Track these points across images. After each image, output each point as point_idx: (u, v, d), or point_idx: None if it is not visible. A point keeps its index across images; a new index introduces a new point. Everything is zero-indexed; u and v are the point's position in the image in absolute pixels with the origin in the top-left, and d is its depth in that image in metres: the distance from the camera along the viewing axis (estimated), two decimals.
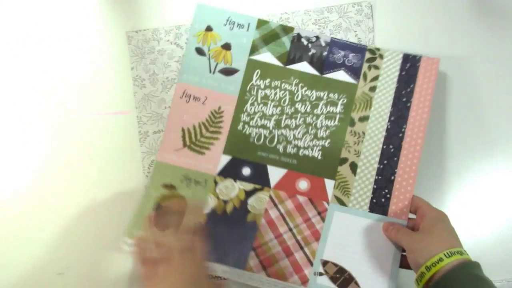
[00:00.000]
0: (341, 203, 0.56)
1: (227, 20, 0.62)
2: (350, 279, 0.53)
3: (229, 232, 0.56)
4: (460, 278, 0.45)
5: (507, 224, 0.59)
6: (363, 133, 0.58)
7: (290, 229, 0.56)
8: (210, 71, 0.61)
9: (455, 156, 0.60)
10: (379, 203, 0.56)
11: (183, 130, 0.60)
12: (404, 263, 0.53)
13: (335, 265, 0.54)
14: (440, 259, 0.46)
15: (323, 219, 0.56)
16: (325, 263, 0.54)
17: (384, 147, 0.57)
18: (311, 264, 0.55)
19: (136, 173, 0.60)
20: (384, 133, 0.58)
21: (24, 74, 0.63)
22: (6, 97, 0.62)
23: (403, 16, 0.63)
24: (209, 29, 0.62)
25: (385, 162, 0.57)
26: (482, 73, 0.61)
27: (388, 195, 0.56)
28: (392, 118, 0.58)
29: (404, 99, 0.58)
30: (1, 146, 0.61)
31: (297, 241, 0.56)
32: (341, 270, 0.54)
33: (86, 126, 0.61)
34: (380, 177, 0.57)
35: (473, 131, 0.61)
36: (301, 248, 0.55)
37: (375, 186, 0.56)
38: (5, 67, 0.63)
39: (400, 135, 0.57)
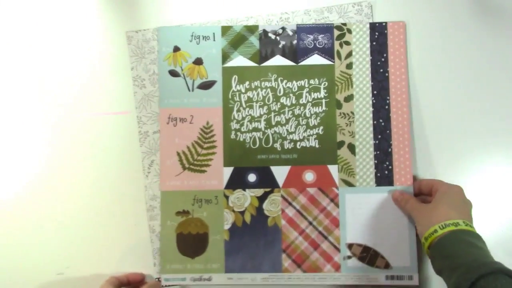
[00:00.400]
0: (349, 184, 0.59)
1: (192, 36, 0.61)
2: (376, 254, 0.58)
3: (256, 240, 0.59)
4: (448, 242, 0.48)
5: (507, 224, 0.60)
6: (352, 113, 0.60)
7: (310, 223, 0.59)
8: (189, 90, 0.61)
9: (452, 153, 0.61)
10: (383, 176, 0.59)
11: (178, 154, 0.60)
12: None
13: (359, 245, 0.58)
14: (435, 231, 0.49)
15: (337, 205, 0.59)
16: (350, 246, 0.58)
17: (375, 122, 0.60)
18: (338, 250, 0.59)
19: (136, 173, 0.61)
20: (371, 109, 0.60)
21: (24, 74, 0.62)
22: (6, 97, 0.62)
23: (403, 16, 0.62)
24: (176, 49, 0.61)
25: (379, 136, 0.60)
26: (484, 73, 0.62)
27: (390, 166, 0.59)
28: (375, 92, 0.60)
29: (381, 70, 0.60)
30: (1, 146, 0.61)
31: (320, 232, 0.59)
32: (366, 249, 0.58)
33: (86, 126, 0.62)
34: (378, 152, 0.60)
35: (472, 130, 0.61)
36: (325, 238, 0.59)
37: (376, 161, 0.59)
38: (5, 67, 0.62)
39: (387, 107, 0.60)
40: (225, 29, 0.61)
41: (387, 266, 0.58)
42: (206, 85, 0.61)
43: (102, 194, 0.61)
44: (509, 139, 0.61)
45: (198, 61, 0.61)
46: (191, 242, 0.59)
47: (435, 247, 0.49)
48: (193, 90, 0.61)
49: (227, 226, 0.59)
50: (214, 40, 0.61)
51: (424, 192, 0.57)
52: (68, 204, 0.61)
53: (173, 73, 0.61)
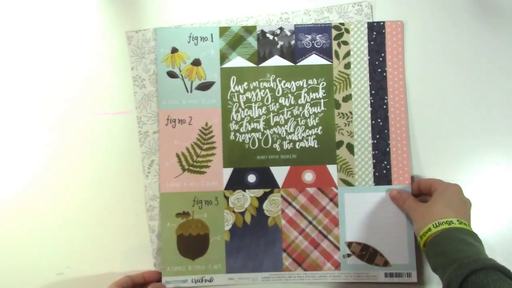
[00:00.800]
0: (348, 184, 0.60)
1: (190, 37, 0.60)
2: (375, 252, 0.59)
3: (256, 241, 0.60)
4: (441, 240, 0.48)
5: (507, 224, 0.60)
6: (350, 113, 0.61)
7: (310, 222, 0.60)
8: (188, 91, 0.61)
9: (452, 153, 0.61)
10: (381, 175, 0.60)
11: (177, 155, 0.60)
12: None
13: (359, 243, 0.59)
14: (429, 229, 0.50)
15: (336, 204, 0.60)
16: (349, 244, 0.59)
17: (373, 122, 0.60)
18: (338, 248, 0.59)
19: (136, 173, 0.61)
20: (369, 109, 0.60)
21: (24, 74, 0.62)
22: (6, 97, 0.62)
23: (402, 16, 0.62)
24: (174, 50, 0.61)
25: (378, 136, 0.60)
26: (484, 74, 0.62)
27: (388, 166, 0.60)
28: (373, 92, 0.60)
29: (379, 70, 0.61)
30: (1, 146, 0.62)
31: (320, 231, 0.60)
32: (365, 247, 0.59)
33: (86, 126, 0.62)
34: (376, 152, 0.60)
35: (470, 129, 0.61)
36: (325, 237, 0.60)
37: (374, 161, 0.60)
38: (5, 67, 0.62)
39: (384, 106, 0.60)
40: (223, 30, 0.61)
41: (386, 264, 0.59)
42: (205, 86, 0.61)
43: (102, 194, 0.61)
44: (509, 139, 0.61)
45: (196, 62, 0.61)
46: (191, 244, 0.59)
47: (429, 245, 0.50)
48: (191, 91, 0.61)
49: (227, 227, 0.60)
50: (212, 41, 0.61)
51: (424, 192, 0.58)
52: (68, 204, 0.61)
53: (171, 74, 0.61)
